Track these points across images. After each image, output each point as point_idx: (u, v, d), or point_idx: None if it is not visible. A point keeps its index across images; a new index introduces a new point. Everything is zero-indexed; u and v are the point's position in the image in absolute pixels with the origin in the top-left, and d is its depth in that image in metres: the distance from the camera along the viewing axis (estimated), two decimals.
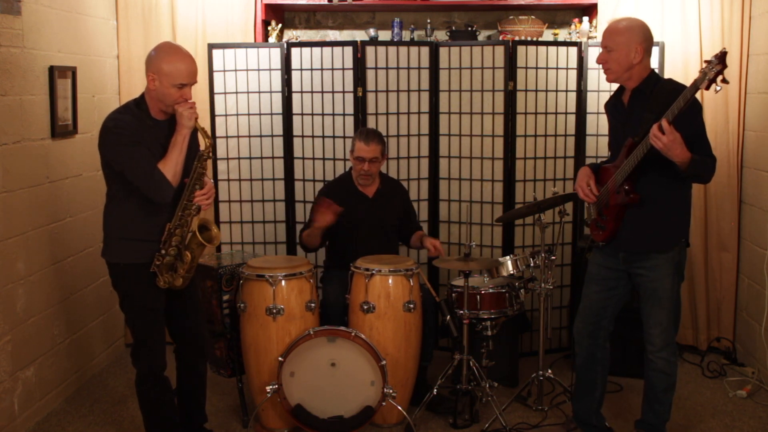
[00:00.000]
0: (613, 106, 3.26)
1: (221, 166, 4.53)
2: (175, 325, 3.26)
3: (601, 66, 3.17)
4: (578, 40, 4.57)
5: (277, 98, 4.53)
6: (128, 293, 3.09)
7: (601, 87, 4.37)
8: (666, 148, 2.80)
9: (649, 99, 3.03)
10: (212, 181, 3.11)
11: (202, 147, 3.05)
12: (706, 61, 2.73)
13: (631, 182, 3.04)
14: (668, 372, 3.18)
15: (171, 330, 3.27)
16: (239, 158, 4.55)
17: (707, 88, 2.73)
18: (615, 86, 3.30)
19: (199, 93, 4.51)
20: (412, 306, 3.61)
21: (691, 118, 2.95)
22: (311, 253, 4.10)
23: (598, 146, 4.42)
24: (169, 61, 2.90)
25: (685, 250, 3.21)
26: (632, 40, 3.03)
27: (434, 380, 3.75)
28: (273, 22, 4.74)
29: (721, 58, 2.68)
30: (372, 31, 4.79)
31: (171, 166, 2.93)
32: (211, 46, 4.48)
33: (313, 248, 3.96)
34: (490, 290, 3.79)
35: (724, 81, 2.71)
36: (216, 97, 4.50)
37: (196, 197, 3.01)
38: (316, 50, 4.46)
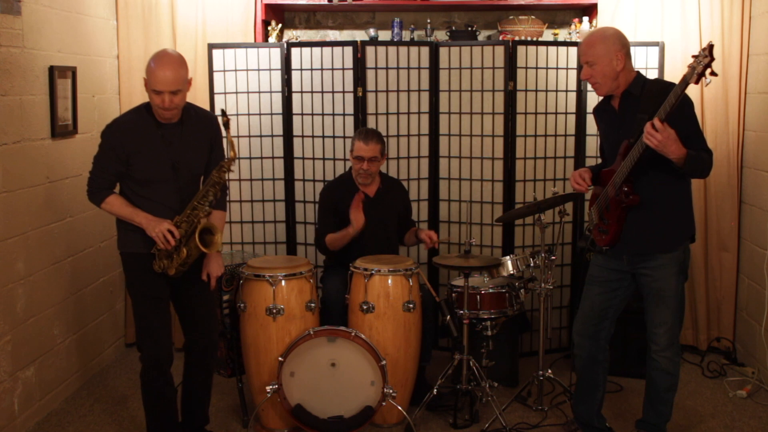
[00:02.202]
0: (603, 111, 3.26)
1: None
2: (185, 321, 3.31)
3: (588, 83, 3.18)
4: (578, 40, 4.57)
5: (277, 98, 4.53)
6: (131, 280, 3.24)
7: None
8: (661, 146, 2.80)
9: (639, 100, 3.03)
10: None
11: (227, 158, 3.16)
12: (693, 56, 2.73)
13: (630, 184, 3.04)
14: (671, 371, 3.18)
15: (183, 327, 3.33)
16: (239, 158, 4.55)
17: (696, 82, 2.73)
18: None
19: (199, 93, 4.53)
20: (411, 306, 3.62)
21: (684, 113, 2.95)
22: (327, 255, 4.09)
23: (598, 146, 4.41)
24: (150, 68, 3.04)
25: (689, 249, 3.21)
26: (610, 49, 3.04)
27: (434, 380, 3.75)
28: (273, 22, 4.74)
29: (709, 50, 2.68)
30: (372, 31, 4.79)
31: (110, 210, 3.16)
32: (211, 46, 4.49)
33: (336, 251, 3.94)
34: (490, 290, 3.79)
35: (713, 74, 2.71)
36: (216, 97, 4.50)
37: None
38: (316, 50, 4.46)
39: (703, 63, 2.68)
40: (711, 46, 2.68)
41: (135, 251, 3.17)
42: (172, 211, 3.13)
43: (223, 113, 3.14)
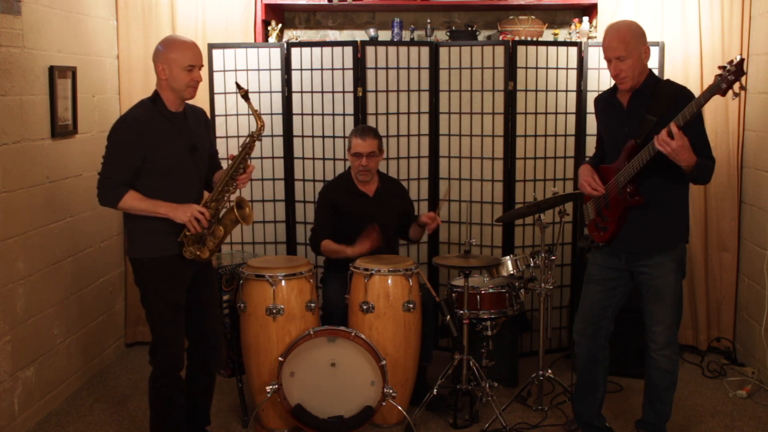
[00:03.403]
0: (608, 104, 3.24)
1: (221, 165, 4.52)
2: (191, 325, 3.27)
3: (601, 68, 3.17)
4: (578, 40, 4.57)
5: (277, 98, 4.53)
6: (150, 288, 3.12)
7: (601, 87, 4.37)
8: (674, 153, 2.81)
9: (650, 100, 3.02)
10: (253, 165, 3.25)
11: (254, 128, 3.17)
12: (720, 68, 2.72)
13: (635, 184, 3.04)
14: (670, 370, 3.18)
15: (187, 330, 3.28)
16: None
17: (723, 94, 2.72)
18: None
19: (199, 93, 4.49)
20: (411, 306, 3.62)
21: (695, 121, 2.96)
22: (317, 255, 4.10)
23: (597, 138, 4.41)
24: (174, 49, 3.05)
25: (685, 247, 3.22)
26: (640, 43, 3.04)
27: (434, 380, 3.75)
28: (273, 22, 4.74)
29: (739, 65, 2.68)
30: (372, 31, 4.79)
31: (129, 207, 3.02)
32: (211, 46, 4.49)
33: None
34: (490, 290, 3.79)
35: (742, 88, 2.71)
36: (216, 97, 4.50)
37: (239, 178, 3.12)
38: (316, 50, 4.46)
39: (733, 76, 2.68)
40: (741, 61, 2.69)
41: (157, 255, 3.06)
42: (193, 200, 3.10)
43: (239, 86, 3.15)
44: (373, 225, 3.77)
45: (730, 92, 2.72)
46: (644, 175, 3.02)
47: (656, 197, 3.07)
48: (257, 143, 3.20)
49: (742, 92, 4.40)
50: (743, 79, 2.71)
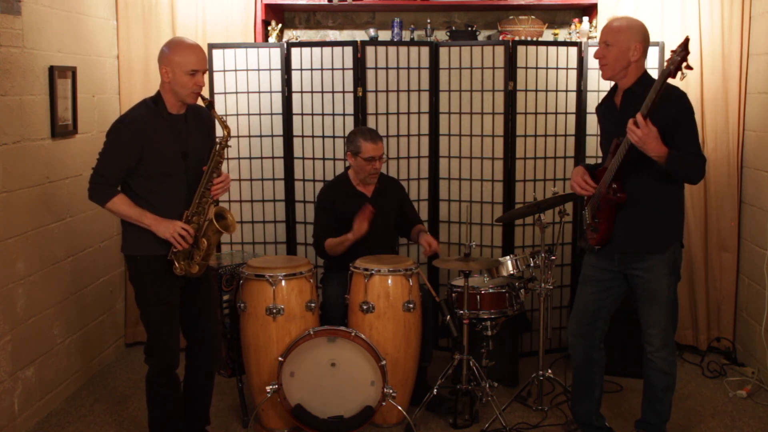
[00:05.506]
0: (605, 107, 3.26)
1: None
2: (188, 324, 3.27)
3: (598, 63, 3.18)
4: (578, 40, 4.57)
5: (277, 98, 4.53)
6: (144, 286, 3.13)
7: (601, 87, 4.37)
8: (641, 142, 2.83)
9: (640, 100, 3.03)
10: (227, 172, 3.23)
11: (221, 136, 3.16)
12: (672, 51, 2.77)
13: (619, 182, 3.04)
14: (668, 371, 3.19)
15: (184, 329, 3.29)
16: (239, 158, 4.55)
17: (674, 75, 2.76)
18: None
19: None
20: (411, 306, 3.62)
21: (685, 117, 2.96)
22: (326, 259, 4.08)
23: (598, 146, 4.41)
24: (178, 52, 3.04)
25: (680, 251, 3.21)
26: (632, 38, 3.04)
27: (434, 380, 3.75)
28: (273, 22, 4.74)
29: (684, 45, 2.73)
30: (372, 31, 4.79)
31: (115, 210, 3.06)
32: (211, 46, 4.49)
33: (336, 256, 3.91)
34: (490, 290, 3.79)
35: (688, 67, 2.75)
36: (216, 97, 4.50)
37: (213, 185, 3.12)
38: (316, 50, 4.46)
39: (679, 56, 2.72)
40: (687, 41, 2.74)
41: (148, 254, 3.08)
42: (182, 204, 3.10)
43: (203, 98, 3.16)
44: (366, 205, 3.76)
45: (679, 73, 2.75)
46: (632, 173, 3.03)
47: (644, 195, 3.07)
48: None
49: (743, 93, 4.41)
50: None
